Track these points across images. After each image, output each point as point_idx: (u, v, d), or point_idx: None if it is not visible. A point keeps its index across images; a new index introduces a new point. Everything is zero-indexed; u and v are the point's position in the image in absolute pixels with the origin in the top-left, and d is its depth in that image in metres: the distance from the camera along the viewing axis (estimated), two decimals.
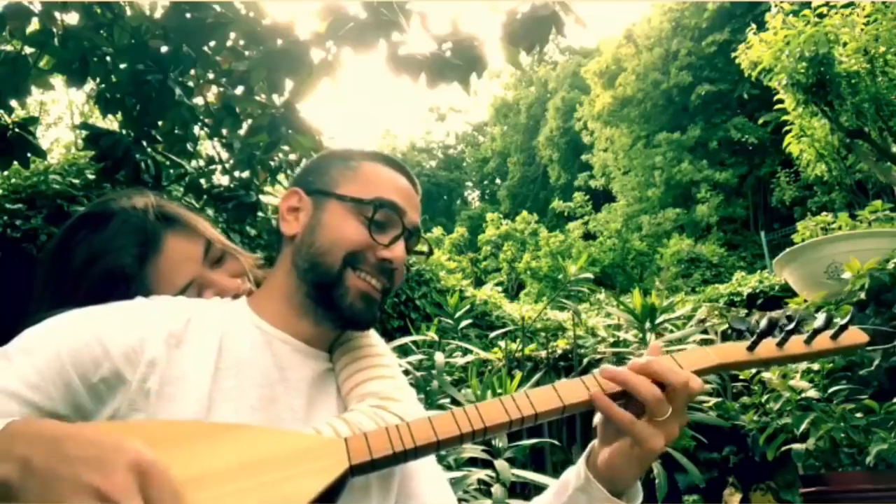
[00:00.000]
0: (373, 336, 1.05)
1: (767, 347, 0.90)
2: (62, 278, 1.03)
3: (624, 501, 0.86)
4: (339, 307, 0.94)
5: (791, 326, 0.89)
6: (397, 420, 0.88)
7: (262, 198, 2.75)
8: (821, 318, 0.89)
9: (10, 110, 2.37)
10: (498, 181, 36.90)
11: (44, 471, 0.61)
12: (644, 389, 0.81)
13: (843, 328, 0.90)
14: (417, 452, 0.78)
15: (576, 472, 0.90)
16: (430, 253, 1.13)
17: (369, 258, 0.95)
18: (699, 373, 0.87)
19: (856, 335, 0.91)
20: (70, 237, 1.06)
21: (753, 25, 6.90)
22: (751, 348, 0.89)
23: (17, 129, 2.34)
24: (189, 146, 2.66)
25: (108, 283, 0.99)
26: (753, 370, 2.92)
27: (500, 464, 2.33)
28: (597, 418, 0.89)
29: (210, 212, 2.89)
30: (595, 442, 0.90)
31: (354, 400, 0.93)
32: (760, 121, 15.09)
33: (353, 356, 0.99)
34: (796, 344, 0.90)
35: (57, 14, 2.26)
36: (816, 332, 0.90)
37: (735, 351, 0.90)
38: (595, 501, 0.86)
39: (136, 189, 1.14)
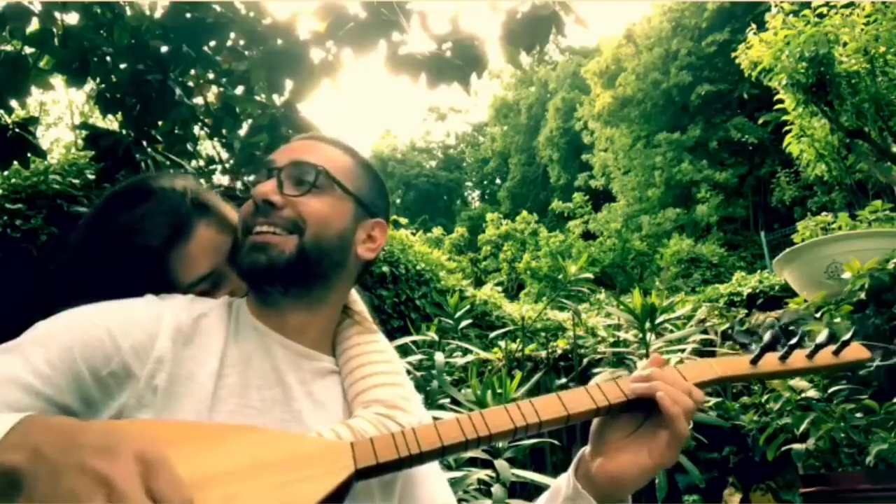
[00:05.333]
0: (381, 341, 1.03)
1: (770, 361, 0.91)
2: (95, 246, 1.05)
3: None
4: (238, 266, 0.94)
5: (794, 341, 0.90)
6: None
7: None
8: (824, 333, 0.91)
9: (10, 110, 2.38)
10: (498, 181, 36.89)
11: (53, 457, 0.61)
12: (681, 399, 0.83)
13: (846, 344, 0.91)
14: (423, 458, 0.78)
15: (566, 481, 0.89)
16: (317, 167, 0.96)
17: (251, 213, 0.95)
18: (702, 385, 0.89)
19: (858, 351, 0.93)
20: (108, 208, 1.08)
21: (753, 25, 6.87)
22: (754, 362, 0.91)
23: (17, 129, 2.34)
24: (189, 146, 2.66)
25: (136, 258, 1.01)
26: None
27: (500, 464, 2.33)
28: (593, 429, 0.89)
29: None
30: (586, 450, 0.89)
31: (359, 406, 0.92)
32: (760, 121, 15.01)
33: (359, 361, 0.98)
34: (799, 358, 0.92)
35: (57, 14, 2.26)
36: (819, 346, 0.91)
37: (738, 364, 0.92)
38: None
39: (179, 171, 1.15)
